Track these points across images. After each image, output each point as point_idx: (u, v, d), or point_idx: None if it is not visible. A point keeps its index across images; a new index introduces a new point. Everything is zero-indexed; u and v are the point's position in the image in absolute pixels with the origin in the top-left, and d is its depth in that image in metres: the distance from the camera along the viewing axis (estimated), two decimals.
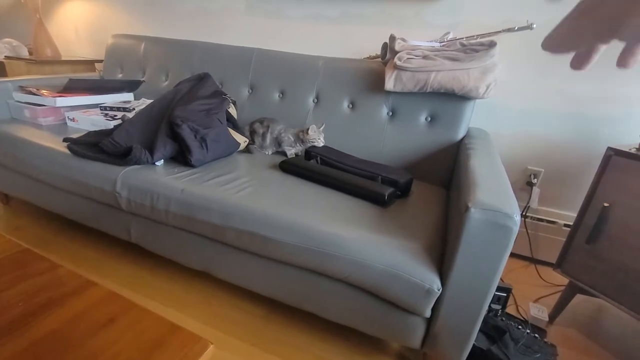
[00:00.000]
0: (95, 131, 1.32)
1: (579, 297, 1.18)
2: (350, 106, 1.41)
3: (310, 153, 1.26)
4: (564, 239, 1.15)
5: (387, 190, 1.04)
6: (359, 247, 0.85)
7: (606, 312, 1.29)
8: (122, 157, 1.14)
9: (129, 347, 0.39)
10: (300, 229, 0.90)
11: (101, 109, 1.52)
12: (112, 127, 1.33)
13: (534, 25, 1.17)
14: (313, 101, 1.46)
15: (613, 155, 1.03)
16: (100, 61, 2.04)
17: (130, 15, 2.06)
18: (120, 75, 1.83)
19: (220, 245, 1.04)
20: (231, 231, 0.97)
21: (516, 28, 1.20)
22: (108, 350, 0.39)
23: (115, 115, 1.48)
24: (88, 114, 1.48)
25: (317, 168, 1.17)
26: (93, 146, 1.21)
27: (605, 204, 1.03)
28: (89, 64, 2.16)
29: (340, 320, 0.96)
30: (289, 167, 1.20)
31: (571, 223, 1.13)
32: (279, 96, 1.51)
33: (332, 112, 1.42)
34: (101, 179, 1.12)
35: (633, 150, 1.00)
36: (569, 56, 0.28)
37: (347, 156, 1.27)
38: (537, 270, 1.48)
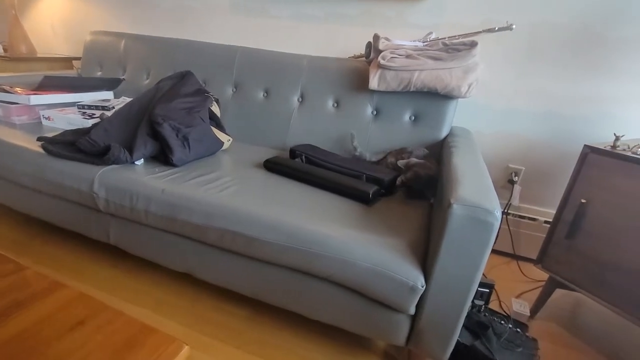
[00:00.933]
0: (71, 130, 1.27)
1: (559, 292, 1.21)
2: (335, 105, 1.41)
3: (294, 152, 1.25)
4: (545, 235, 1.17)
5: (372, 189, 1.04)
6: (343, 245, 0.84)
7: (585, 306, 1.33)
8: (100, 156, 1.10)
9: (99, 349, 0.37)
10: (284, 227, 0.89)
11: (79, 108, 1.48)
12: (90, 125, 1.29)
13: (514, 26, 1.20)
14: (298, 100, 1.45)
15: (589, 153, 1.06)
16: (78, 58, 1.98)
17: (109, 12, 2.01)
18: (99, 73, 1.78)
19: (203, 246, 1.02)
20: (214, 231, 0.95)
21: (496, 28, 1.22)
22: (76, 352, 0.37)
23: (94, 114, 1.44)
24: (65, 113, 1.43)
25: (301, 167, 1.16)
26: (69, 145, 1.17)
27: (583, 200, 1.06)
28: (67, 61, 2.09)
29: (326, 319, 0.95)
30: (273, 166, 1.19)
31: (551, 219, 1.16)
32: (263, 95, 1.50)
33: (317, 111, 1.41)
34: (77, 179, 1.08)
35: (608, 148, 1.03)
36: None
37: (331, 155, 1.27)
38: (519, 267, 1.51)
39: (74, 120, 1.39)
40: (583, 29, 1.28)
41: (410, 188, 1.10)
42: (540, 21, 1.30)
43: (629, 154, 0.98)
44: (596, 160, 1.04)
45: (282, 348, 1.02)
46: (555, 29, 1.30)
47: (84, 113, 1.44)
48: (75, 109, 1.48)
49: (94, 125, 1.23)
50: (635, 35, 1.23)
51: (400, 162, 1.14)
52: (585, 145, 1.07)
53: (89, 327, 0.40)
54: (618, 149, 1.02)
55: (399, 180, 1.11)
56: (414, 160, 1.14)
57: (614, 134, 1.04)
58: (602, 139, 1.32)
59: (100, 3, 2.01)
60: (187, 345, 0.38)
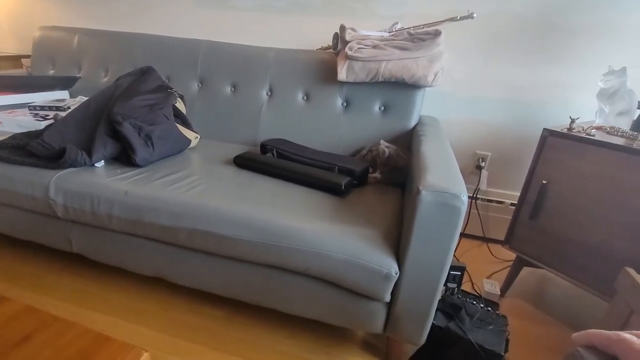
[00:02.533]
0: (22, 133, 1.18)
1: (526, 270, 1.27)
2: (305, 98, 1.39)
3: (265, 147, 1.23)
4: (511, 217, 1.22)
5: (344, 180, 1.04)
6: (317, 238, 0.84)
7: (549, 282, 1.40)
8: (55, 159, 1.03)
9: None
10: (257, 224, 0.87)
11: (30, 109, 1.37)
12: (43, 127, 1.20)
13: (475, 15, 1.23)
14: (267, 94, 1.42)
15: (548, 136, 1.11)
16: (28, 56, 1.84)
17: (59, 5, 1.87)
18: (51, 72, 1.66)
19: (173, 248, 0.98)
20: (183, 232, 0.91)
21: (458, 17, 1.25)
22: None
23: (47, 115, 1.34)
24: (14, 115, 1.33)
25: (272, 161, 1.14)
26: (20, 149, 1.09)
27: (544, 181, 1.11)
28: (15, 59, 1.93)
29: (304, 313, 0.95)
30: (244, 162, 1.16)
31: (516, 201, 1.21)
32: (230, 90, 1.46)
33: (286, 105, 1.39)
34: (31, 186, 1.01)
35: (565, 131, 1.08)
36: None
37: (303, 148, 1.26)
38: (488, 248, 1.57)
39: (25, 123, 1.29)
40: (539, 18, 1.33)
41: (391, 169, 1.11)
42: (499, 10, 1.35)
43: (584, 135, 1.03)
44: (554, 142, 1.09)
45: (261, 346, 1.01)
46: (513, 18, 1.35)
47: (36, 114, 1.35)
48: (25, 110, 1.38)
49: (47, 126, 1.15)
50: (586, 24, 1.30)
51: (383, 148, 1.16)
52: (544, 128, 1.12)
53: (37, 342, 0.36)
54: (574, 131, 1.07)
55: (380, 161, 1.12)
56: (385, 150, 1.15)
57: (570, 117, 1.10)
58: (560, 123, 1.38)
59: None
60: (146, 351, 0.36)
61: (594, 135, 1.02)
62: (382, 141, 1.19)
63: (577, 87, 1.37)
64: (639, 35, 1.27)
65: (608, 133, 1.07)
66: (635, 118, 1.10)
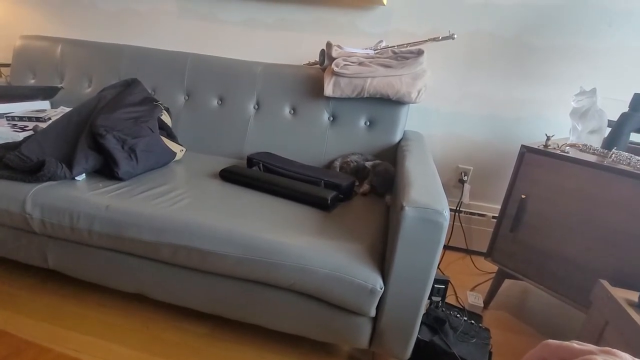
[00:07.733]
0: None
1: (508, 282, 1.30)
2: (292, 112, 1.41)
3: (252, 160, 1.23)
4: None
5: (330, 195, 1.05)
6: (303, 253, 0.84)
7: (530, 293, 1.43)
8: (33, 172, 1.00)
9: None
10: (242, 239, 0.87)
11: (8, 119, 1.33)
12: (22, 139, 1.17)
13: (455, 36, 1.28)
14: (254, 107, 1.43)
15: (526, 152, 1.15)
16: (7, 65, 1.79)
17: (42, 15, 1.85)
18: (32, 81, 1.63)
19: (155, 264, 0.96)
20: (166, 247, 0.90)
21: (440, 37, 1.30)
22: None
23: (26, 126, 1.31)
24: None
25: (259, 175, 1.14)
26: None
27: (523, 196, 1.15)
28: None
29: (288, 329, 0.94)
30: (229, 175, 1.16)
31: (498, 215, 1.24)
32: (217, 103, 1.46)
33: (273, 119, 1.40)
34: (6, 200, 0.98)
35: (541, 147, 1.13)
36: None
37: (290, 162, 1.26)
38: (472, 261, 1.60)
39: (3, 134, 1.25)
40: (514, 40, 1.40)
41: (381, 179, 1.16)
42: (477, 31, 1.41)
43: (558, 152, 1.08)
44: (531, 158, 1.14)
45: None
46: (491, 39, 1.41)
47: (14, 125, 1.31)
48: (3, 121, 1.34)
49: (26, 138, 1.12)
50: (562, 45, 1.37)
51: (368, 163, 1.20)
52: (522, 145, 1.16)
53: None
54: (549, 148, 1.12)
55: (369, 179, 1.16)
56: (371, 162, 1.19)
57: (545, 135, 1.14)
58: (537, 139, 1.44)
59: (31, 5, 1.84)
60: None
61: (568, 152, 1.07)
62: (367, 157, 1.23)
63: (553, 104, 1.44)
64: (607, 59, 1.35)
65: (581, 150, 1.12)
66: (605, 136, 1.16)
